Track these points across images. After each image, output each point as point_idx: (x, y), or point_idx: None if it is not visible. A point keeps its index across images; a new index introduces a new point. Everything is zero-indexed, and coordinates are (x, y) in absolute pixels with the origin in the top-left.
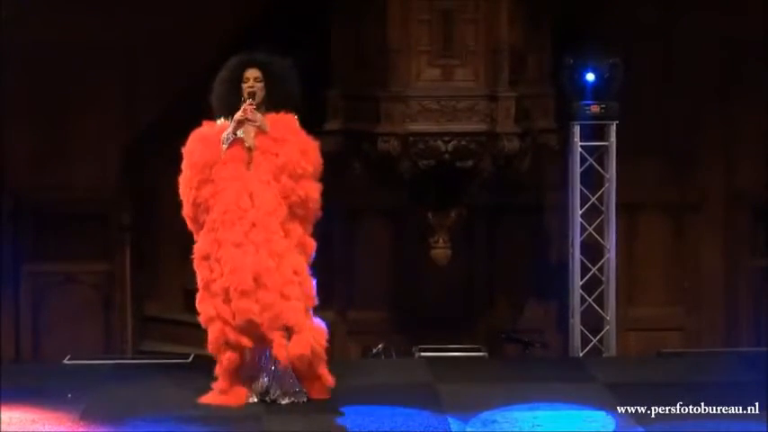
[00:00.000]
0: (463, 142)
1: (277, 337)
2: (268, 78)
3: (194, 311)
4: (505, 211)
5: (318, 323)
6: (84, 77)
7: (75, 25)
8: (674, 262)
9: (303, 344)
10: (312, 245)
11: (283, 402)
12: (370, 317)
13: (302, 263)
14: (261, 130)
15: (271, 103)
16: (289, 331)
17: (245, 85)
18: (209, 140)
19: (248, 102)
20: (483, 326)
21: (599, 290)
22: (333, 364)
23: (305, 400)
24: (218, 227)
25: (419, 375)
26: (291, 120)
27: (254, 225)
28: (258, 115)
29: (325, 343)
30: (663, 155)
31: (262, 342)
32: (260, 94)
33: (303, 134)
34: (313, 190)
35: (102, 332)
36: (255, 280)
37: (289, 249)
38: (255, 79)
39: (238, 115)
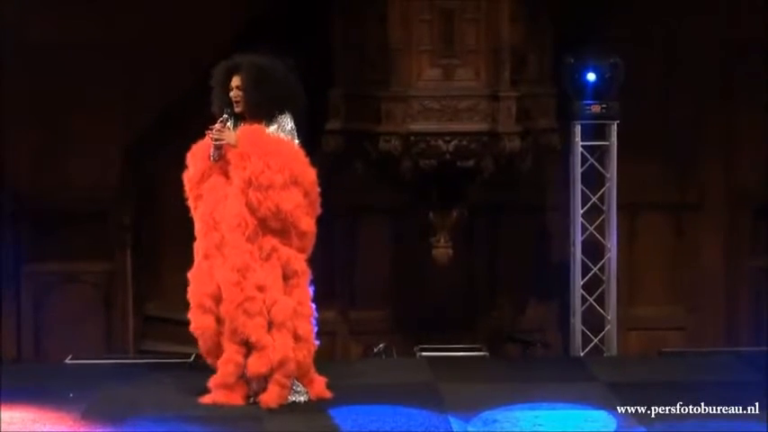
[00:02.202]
0: (464, 142)
1: (228, 351)
2: (246, 87)
3: None
4: (506, 210)
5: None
6: (84, 77)
7: (75, 25)
8: (675, 262)
9: (261, 362)
10: (291, 257)
11: (283, 402)
12: (371, 316)
13: (272, 277)
14: (230, 146)
15: (253, 110)
16: (250, 346)
17: (231, 94)
18: (200, 155)
19: (220, 120)
20: (484, 326)
21: (600, 289)
22: (334, 364)
23: (305, 399)
24: (197, 236)
25: (420, 375)
26: (257, 131)
27: (223, 238)
28: (226, 132)
29: (304, 358)
30: (663, 155)
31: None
32: (242, 103)
33: (270, 142)
34: (285, 201)
35: (104, 332)
36: (217, 293)
37: (251, 265)
38: (237, 87)
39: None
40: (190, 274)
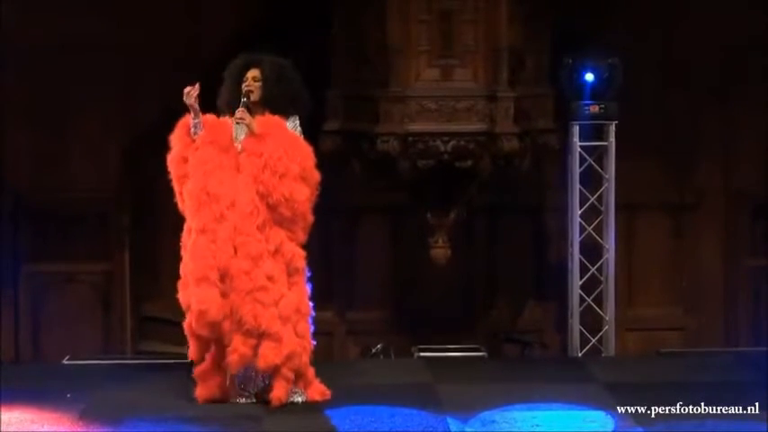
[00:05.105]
0: (462, 142)
1: (235, 341)
2: (265, 79)
3: None
4: (505, 211)
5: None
6: (84, 78)
7: (75, 26)
8: (674, 262)
9: (275, 353)
10: (295, 253)
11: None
12: (369, 317)
13: (278, 270)
14: (249, 131)
15: (267, 104)
16: (261, 337)
17: (243, 85)
18: (180, 134)
19: (239, 108)
20: (482, 326)
21: (598, 290)
22: (332, 365)
23: (302, 400)
24: (188, 214)
25: (418, 375)
26: (278, 120)
27: (234, 228)
28: (248, 116)
29: (304, 356)
30: (662, 155)
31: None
32: (257, 94)
33: (289, 133)
34: (297, 191)
35: (102, 332)
36: (224, 279)
37: (264, 254)
38: (254, 78)
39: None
40: (187, 252)
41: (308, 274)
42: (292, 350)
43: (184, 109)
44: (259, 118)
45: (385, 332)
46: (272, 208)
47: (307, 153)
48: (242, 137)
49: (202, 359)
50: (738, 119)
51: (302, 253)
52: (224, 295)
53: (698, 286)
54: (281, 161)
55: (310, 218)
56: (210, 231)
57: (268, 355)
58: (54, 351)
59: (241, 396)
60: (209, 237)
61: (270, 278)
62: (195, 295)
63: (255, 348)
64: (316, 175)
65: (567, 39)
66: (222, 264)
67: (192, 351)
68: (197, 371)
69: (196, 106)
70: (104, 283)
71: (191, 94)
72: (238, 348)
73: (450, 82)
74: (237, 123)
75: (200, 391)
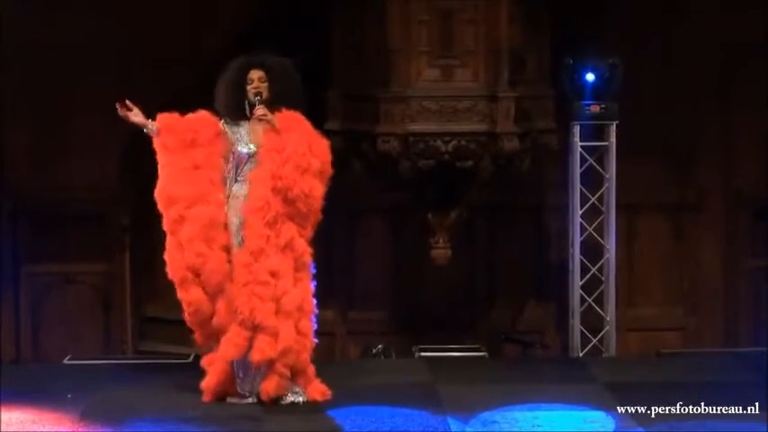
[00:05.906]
0: (463, 142)
1: (231, 332)
2: (272, 78)
3: None
4: (505, 211)
5: (307, 332)
6: (83, 78)
7: (74, 26)
8: (674, 262)
9: (270, 347)
10: (305, 250)
11: (282, 403)
12: (369, 317)
13: (285, 266)
14: (270, 126)
15: (275, 103)
16: (256, 330)
17: (249, 87)
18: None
19: (258, 106)
20: (483, 326)
21: (599, 290)
22: (333, 365)
23: (303, 400)
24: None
25: (419, 376)
26: (297, 116)
27: (181, 212)
28: (269, 113)
29: (304, 353)
30: (663, 155)
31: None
32: (265, 94)
33: (311, 129)
34: (316, 188)
35: (102, 332)
36: (191, 265)
37: (266, 249)
38: (260, 79)
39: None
40: (166, 253)
41: (314, 272)
42: (288, 346)
43: (182, 110)
44: (279, 114)
45: (386, 332)
46: (289, 202)
47: (326, 148)
48: (259, 134)
49: (209, 347)
50: (739, 119)
51: (310, 249)
52: (206, 291)
53: (698, 286)
54: (305, 156)
55: (320, 215)
56: (175, 233)
57: (264, 349)
58: (54, 351)
59: (242, 397)
60: (176, 238)
61: (273, 274)
62: (182, 298)
63: (250, 341)
64: (330, 172)
65: (568, 39)
66: (190, 262)
67: (198, 338)
68: (205, 359)
69: (137, 119)
70: (104, 283)
71: (125, 115)
72: (233, 339)
73: (451, 82)
74: (259, 120)
75: (208, 381)
